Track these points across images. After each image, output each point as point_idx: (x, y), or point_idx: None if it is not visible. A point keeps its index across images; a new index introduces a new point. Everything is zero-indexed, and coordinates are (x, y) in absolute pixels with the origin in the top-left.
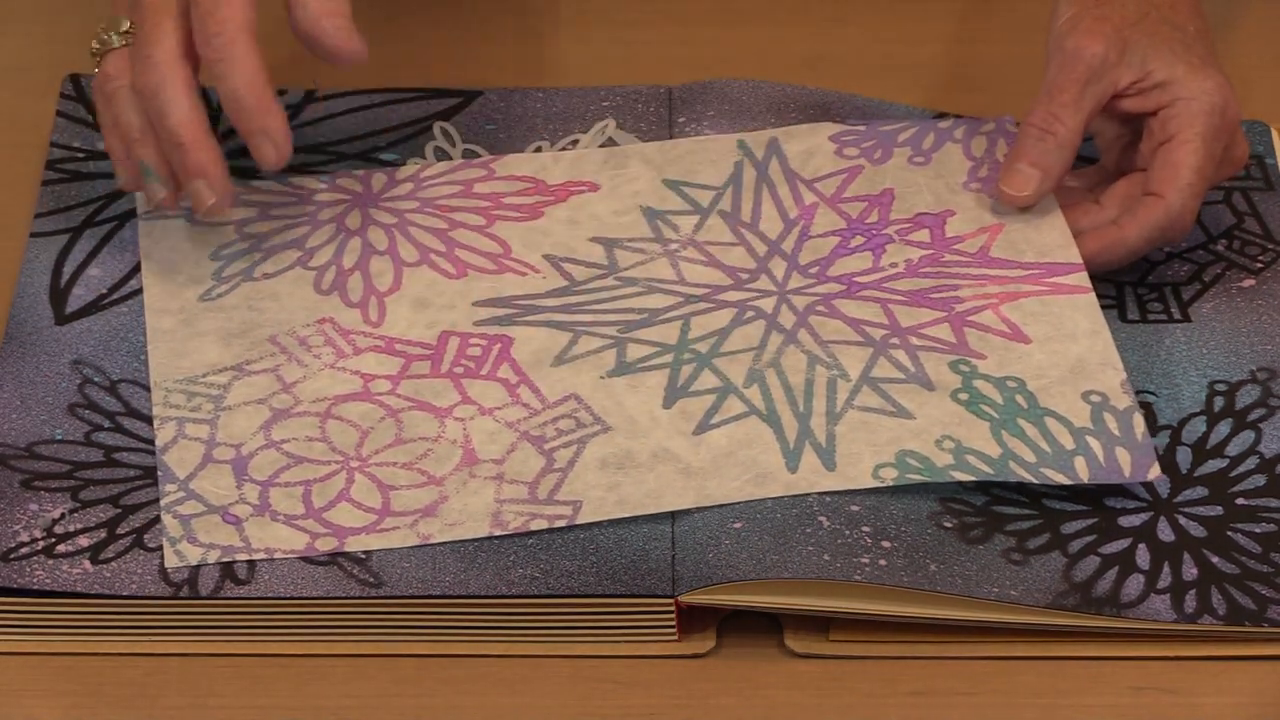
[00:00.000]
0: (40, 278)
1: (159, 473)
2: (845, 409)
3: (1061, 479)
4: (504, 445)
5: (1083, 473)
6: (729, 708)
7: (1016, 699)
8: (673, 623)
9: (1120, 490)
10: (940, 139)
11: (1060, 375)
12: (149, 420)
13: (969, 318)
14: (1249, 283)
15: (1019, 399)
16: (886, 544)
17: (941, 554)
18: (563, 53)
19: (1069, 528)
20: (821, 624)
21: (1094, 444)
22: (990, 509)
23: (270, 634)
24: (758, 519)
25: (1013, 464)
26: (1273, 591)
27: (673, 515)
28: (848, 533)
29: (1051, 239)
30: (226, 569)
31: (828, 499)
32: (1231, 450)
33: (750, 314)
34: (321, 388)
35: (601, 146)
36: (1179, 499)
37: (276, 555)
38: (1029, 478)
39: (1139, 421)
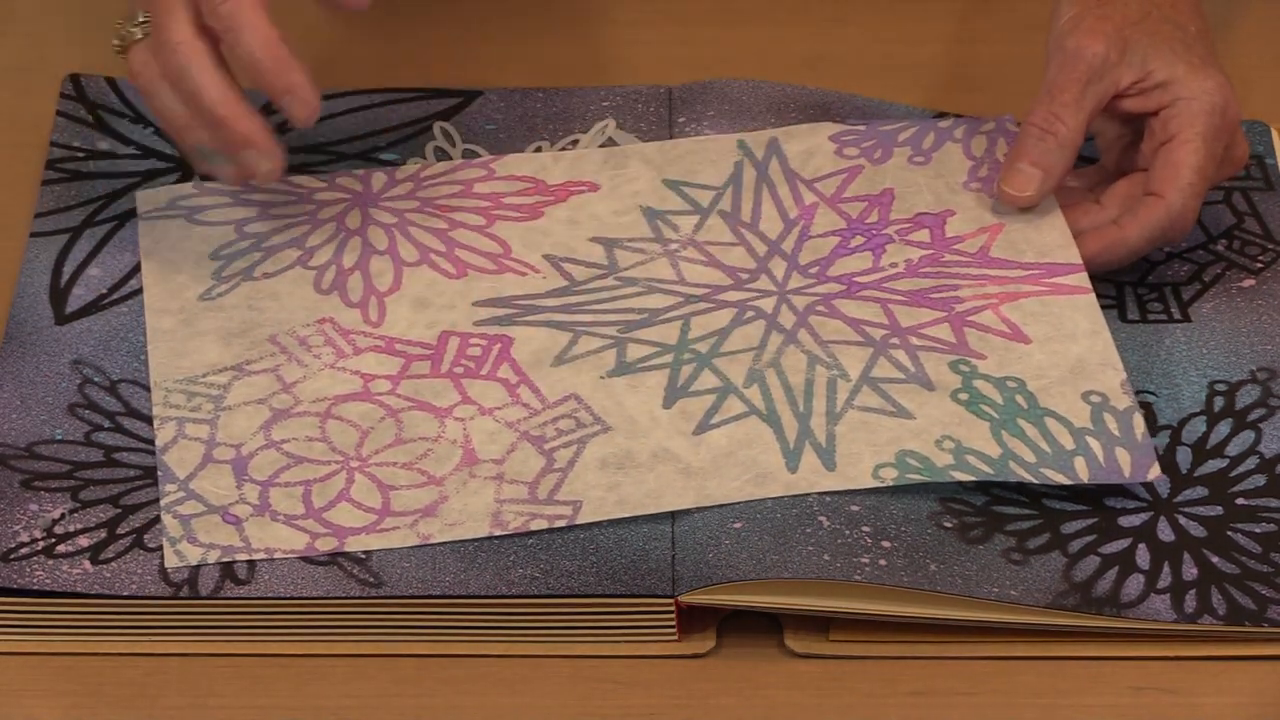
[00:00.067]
0: (40, 277)
1: (159, 473)
2: (845, 409)
3: (1061, 479)
4: (504, 445)
5: (1083, 473)
6: (729, 708)
7: (1016, 699)
8: (673, 623)
9: (1120, 490)
10: (940, 139)
11: (1060, 375)
12: (149, 420)
13: (969, 318)
14: (1249, 283)
15: (1019, 399)
16: (886, 544)
17: (941, 554)
18: (563, 53)
19: (1069, 528)
20: (821, 624)
21: (1094, 444)
22: (990, 509)
23: (270, 634)
24: (758, 519)
25: (1013, 464)
26: (1273, 591)
27: (673, 515)
28: (848, 533)
29: (1051, 239)
30: (226, 569)
31: (828, 499)
32: (1231, 450)
33: (750, 314)
34: (321, 388)
35: (601, 146)
36: (1179, 499)
37: (276, 555)
38: (1029, 478)
39: (1139, 422)
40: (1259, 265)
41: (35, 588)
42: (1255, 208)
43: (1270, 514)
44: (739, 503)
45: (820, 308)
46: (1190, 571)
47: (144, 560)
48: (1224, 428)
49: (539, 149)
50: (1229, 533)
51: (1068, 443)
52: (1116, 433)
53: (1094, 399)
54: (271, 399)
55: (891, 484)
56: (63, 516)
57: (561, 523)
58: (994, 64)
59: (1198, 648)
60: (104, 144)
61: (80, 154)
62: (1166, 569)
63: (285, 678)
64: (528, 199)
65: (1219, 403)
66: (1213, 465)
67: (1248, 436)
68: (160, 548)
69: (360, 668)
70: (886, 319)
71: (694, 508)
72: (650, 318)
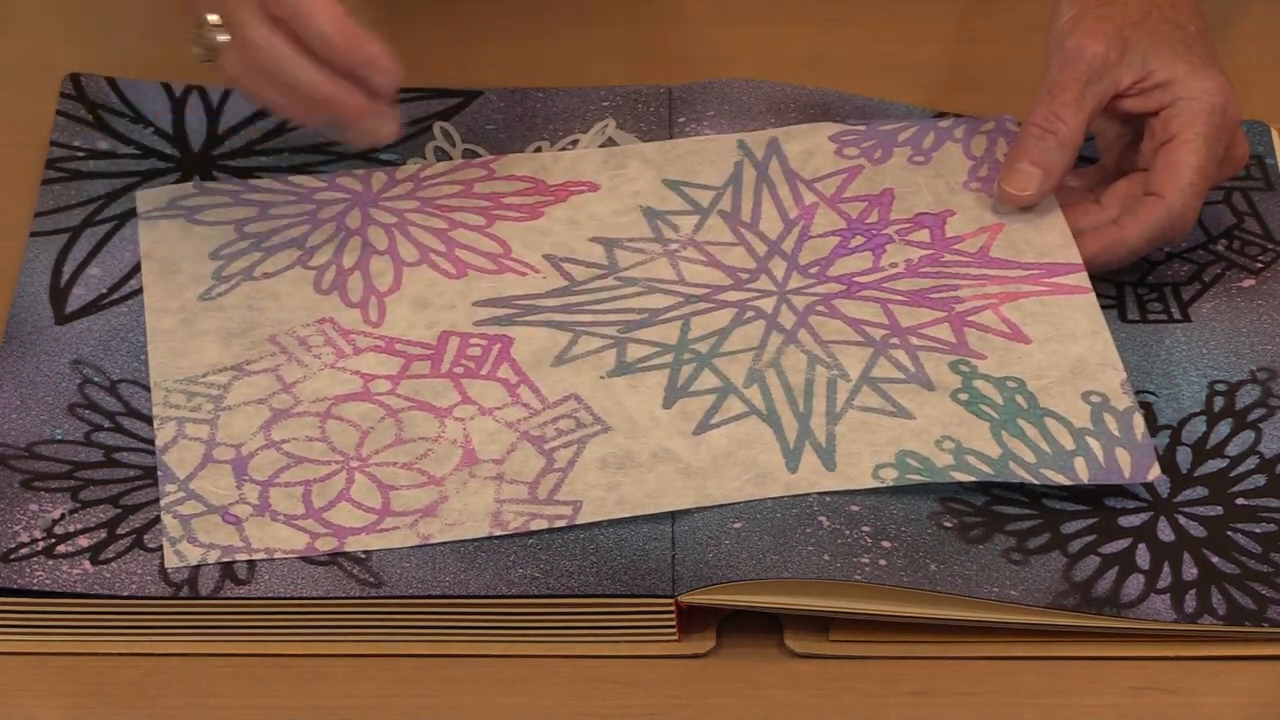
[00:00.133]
0: (40, 277)
1: (159, 473)
2: (845, 409)
3: (1061, 479)
4: (504, 445)
5: (1083, 473)
6: (729, 708)
7: (1016, 699)
8: (673, 623)
9: (1120, 490)
10: (940, 138)
11: (1060, 375)
12: (149, 420)
13: (969, 318)
14: (1249, 283)
15: (1019, 399)
16: (886, 544)
17: (941, 554)
18: (563, 53)
19: (1069, 528)
20: (821, 624)
21: (1094, 444)
22: (990, 509)
23: (270, 634)
24: (758, 519)
25: (1013, 464)
26: (1273, 591)
27: (673, 515)
28: (848, 533)
29: (1051, 239)
30: (226, 569)
31: (828, 499)
32: (1231, 450)
33: (750, 314)
34: (321, 388)
35: (601, 146)
36: (1179, 499)
37: (276, 555)
38: (1029, 478)
39: (1139, 422)
40: (1259, 265)
41: (35, 588)
42: (1255, 208)
43: (1270, 514)
44: (739, 503)
45: (820, 308)
46: (1190, 571)
47: (144, 560)
48: (1224, 428)
49: (539, 149)
50: (1229, 533)
51: (1068, 443)
52: (1116, 433)
53: (1094, 399)
54: (271, 399)
55: (891, 484)
56: (63, 517)
57: (561, 523)
58: (994, 64)
59: (1198, 648)
60: (104, 144)
61: (80, 154)
62: (1166, 569)
63: (285, 678)
64: (528, 199)
65: (1219, 403)
66: (1213, 465)
67: (1248, 436)
68: (160, 548)
69: (360, 668)
70: (886, 319)
71: (694, 508)
72: (650, 318)
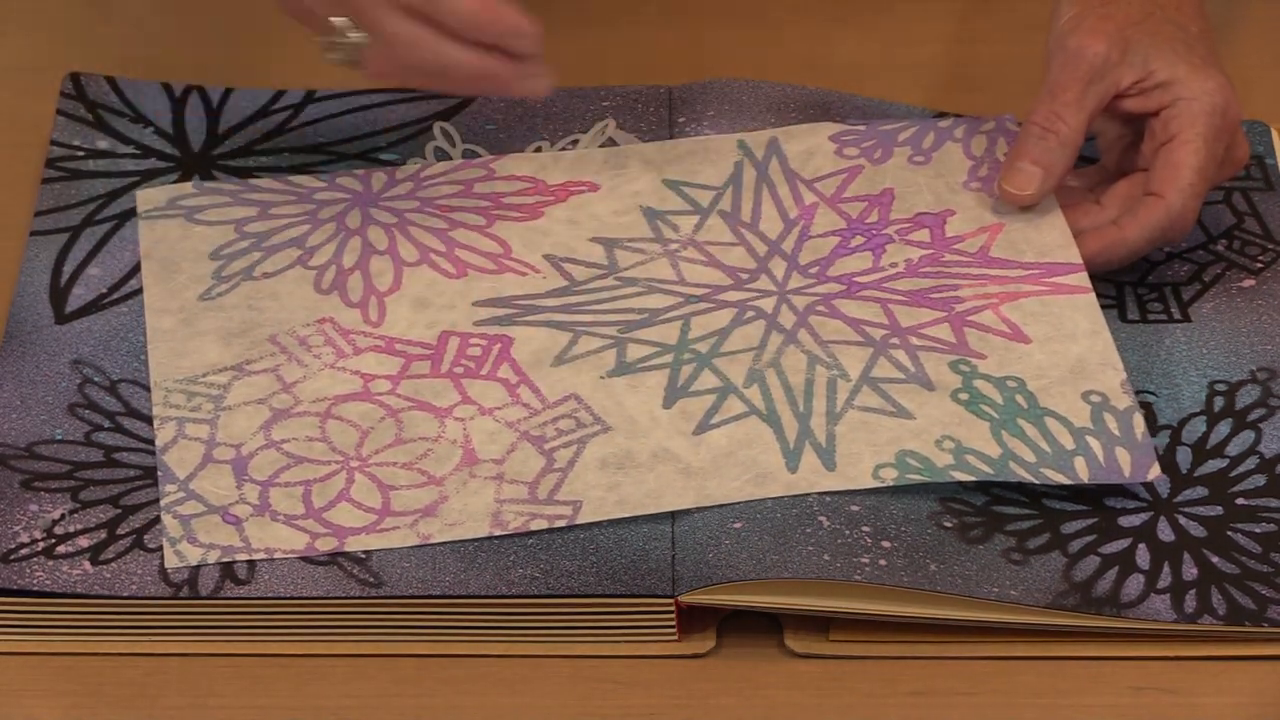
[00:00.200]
0: (40, 276)
1: (159, 473)
2: (845, 409)
3: (1061, 479)
4: (504, 445)
5: (1083, 473)
6: (729, 708)
7: (1016, 699)
8: (673, 623)
9: (1120, 490)
10: (940, 138)
11: (1060, 375)
12: (149, 420)
13: (969, 318)
14: (1249, 283)
15: (1019, 399)
16: (886, 544)
17: (941, 554)
18: (563, 53)
19: (1069, 528)
20: (821, 624)
21: (1094, 444)
22: (990, 509)
23: (270, 634)
24: (758, 519)
25: (1013, 464)
26: (1273, 591)
27: (673, 515)
28: (848, 533)
29: (1052, 239)
30: (226, 569)
31: (828, 499)
32: (1231, 450)
33: (750, 314)
34: (321, 388)
35: (601, 146)
36: (1179, 499)
37: (276, 555)
38: (1029, 478)
39: (1139, 421)
40: (1259, 265)
41: (35, 589)
42: (1255, 208)
43: (1270, 514)
44: (739, 503)
45: (820, 308)
46: (1190, 571)
47: (144, 560)
48: (1224, 428)
49: (539, 149)
50: (1229, 533)
51: (1068, 443)
52: (1116, 432)
53: (1094, 399)
54: (271, 399)
55: (891, 484)
56: (63, 517)
57: (561, 523)
58: (994, 64)
59: (1198, 648)
60: (104, 143)
61: (80, 153)
62: (1166, 569)
63: (285, 678)
64: (528, 199)
65: (1219, 403)
66: (1213, 465)
67: (1248, 436)
68: (160, 548)
69: (360, 668)
70: (886, 319)
71: (694, 508)
72: (650, 318)
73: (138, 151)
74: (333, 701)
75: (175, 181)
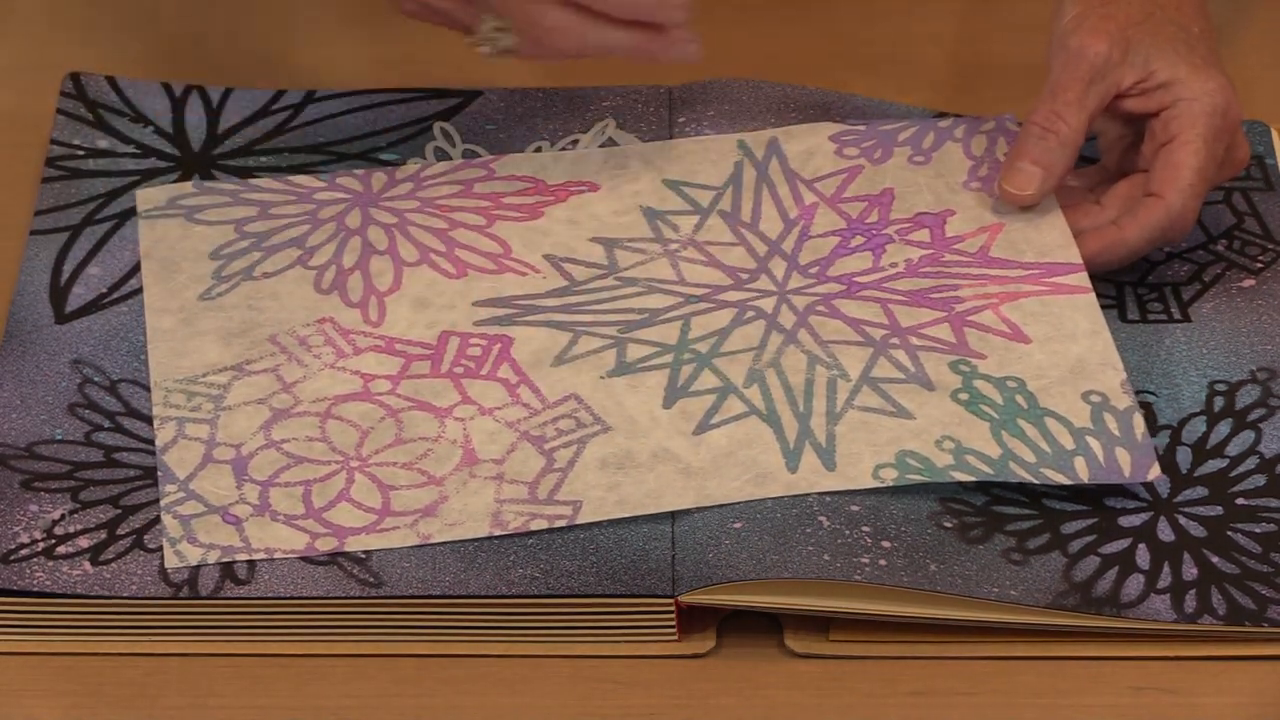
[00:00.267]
0: (40, 276)
1: (159, 473)
2: (845, 409)
3: (1061, 479)
4: (504, 445)
5: (1083, 473)
6: (729, 708)
7: (1016, 699)
8: (673, 623)
9: (1120, 490)
10: (940, 138)
11: (1060, 375)
12: (149, 420)
13: (969, 318)
14: (1249, 283)
15: (1019, 399)
16: (886, 544)
17: (941, 554)
18: None
19: (1069, 528)
20: (821, 624)
21: (1094, 444)
22: (990, 509)
23: (270, 634)
24: (758, 519)
25: (1013, 464)
26: (1273, 591)
27: (673, 515)
28: (848, 533)
29: (1052, 239)
30: (226, 569)
31: (828, 499)
32: (1231, 450)
33: (750, 314)
34: (321, 388)
35: (601, 146)
36: (1179, 499)
37: (276, 555)
38: (1029, 478)
39: (1139, 422)
40: (1259, 265)
41: (35, 590)
42: (1255, 208)
43: (1270, 514)
44: (739, 503)
45: (820, 308)
46: (1190, 571)
47: (144, 561)
48: (1224, 428)
49: (539, 149)
50: (1229, 533)
51: (1068, 443)
52: (1116, 433)
53: (1094, 399)
54: (271, 399)
55: (891, 484)
56: (63, 517)
57: (561, 523)
58: (994, 64)
59: (1198, 648)
60: (104, 142)
61: (80, 152)
62: (1166, 569)
63: (285, 678)
64: (528, 199)
65: (1219, 403)
66: (1213, 465)
67: (1248, 436)
68: (160, 548)
69: (360, 668)
70: (886, 319)
71: (694, 508)
72: (650, 318)
73: (138, 151)
74: (333, 701)
75: (175, 181)
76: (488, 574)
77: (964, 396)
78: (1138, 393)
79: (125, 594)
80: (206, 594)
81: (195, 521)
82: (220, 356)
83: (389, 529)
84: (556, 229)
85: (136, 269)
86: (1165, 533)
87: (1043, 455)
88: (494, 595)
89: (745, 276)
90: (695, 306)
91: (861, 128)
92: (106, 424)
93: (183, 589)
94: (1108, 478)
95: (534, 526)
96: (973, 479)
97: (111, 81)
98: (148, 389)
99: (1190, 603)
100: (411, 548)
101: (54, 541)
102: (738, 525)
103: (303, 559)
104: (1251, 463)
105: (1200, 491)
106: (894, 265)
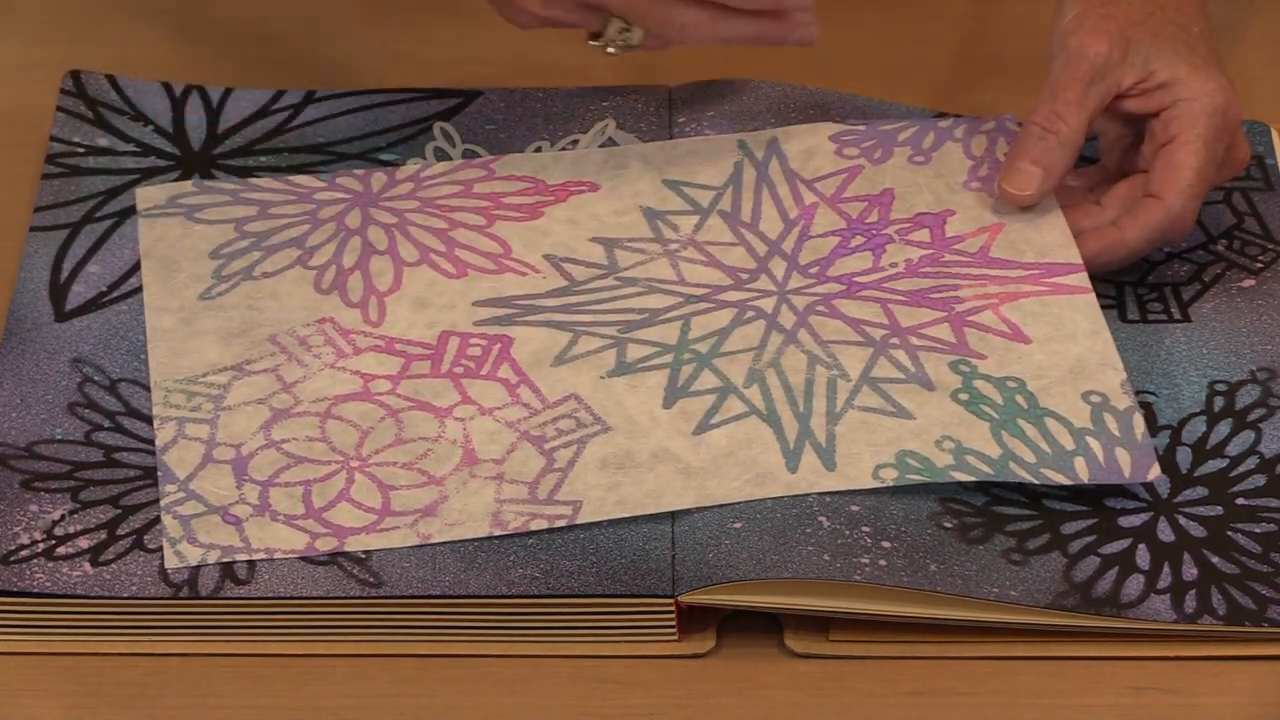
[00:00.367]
0: (40, 273)
1: (159, 473)
2: (845, 409)
3: (1061, 479)
4: (504, 445)
5: (1083, 473)
6: (729, 708)
7: (1016, 699)
8: (673, 623)
9: (1120, 490)
10: (940, 138)
11: (1060, 375)
12: (149, 420)
13: (969, 318)
14: (1249, 283)
15: (1019, 399)
16: (886, 544)
17: (941, 554)
18: (563, 53)
19: (1069, 528)
20: (821, 624)
21: (1094, 444)
22: (990, 509)
23: (270, 634)
24: (758, 519)
25: (1013, 464)
26: (1273, 591)
27: (673, 515)
28: (848, 533)
29: (1052, 239)
30: (226, 569)
31: (828, 499)
32: (1231, 450)
33: (750, 314)
34: (321, 388)
35: (601, 146)
36: (1179, 499)
37: (276, 555)
38: (1029, 478)
39: (1139, 422)
40: (1259, 265)
41: (36, 590)
42: (1255, 208)
43: (1270, 514)
44: (739, 503)
45: (820, 308)
46: (1190, 571)
47: (144, 561)
48: (1224, 428)
49: (539, 149)
50: (1229, 533)
51: (1068, 443)
52: (1116, 433)
53: (1094, 399)
54: (271, 399)
55: (891, 484)
56: (63, 517)
57: (561, 523)
58: (994, 64)
59: (1198, 648)
60: (104, 140)
61: (80, 149)
62: (1166, 569)
63: (285, 678)
64: (528, 199)
65: (1219, 403)
66: (1213, 465)
67: (1248, 436)
68: (160, 548)
69: (360, 668)
70: (886, 319)
71: (694, 508)
72: (650, 318)
73: (138, 149)
74: (333, 701)
75: (175, 180)
76: (488, 574)
77: (964, 396)
78: (1138, 393)
79: (125, 594)
80: (206, 594)
81: (195, 521)
82: (220, 356)
83: (389, 529)
84: (556, 229)
85: (136, 267)
86: (1165, 533)
87: (1043, 455)
88: (494, 595)
89: (745, 276)
90: (695, 306)
91: (861, 128)
92: (106, 424)
93: (183, 589)
94: (1108, 478)
95: (534, 526)
96: (973, 479)
97: (112, 80)
98: (148, 388)
99: (1190, 603)
100: (411, 548)
101: (54, 542)
102: (738, 525)
103: (303, 559)
104: (1251, 463)
105: (1200, 491)
106: (894, 265)
